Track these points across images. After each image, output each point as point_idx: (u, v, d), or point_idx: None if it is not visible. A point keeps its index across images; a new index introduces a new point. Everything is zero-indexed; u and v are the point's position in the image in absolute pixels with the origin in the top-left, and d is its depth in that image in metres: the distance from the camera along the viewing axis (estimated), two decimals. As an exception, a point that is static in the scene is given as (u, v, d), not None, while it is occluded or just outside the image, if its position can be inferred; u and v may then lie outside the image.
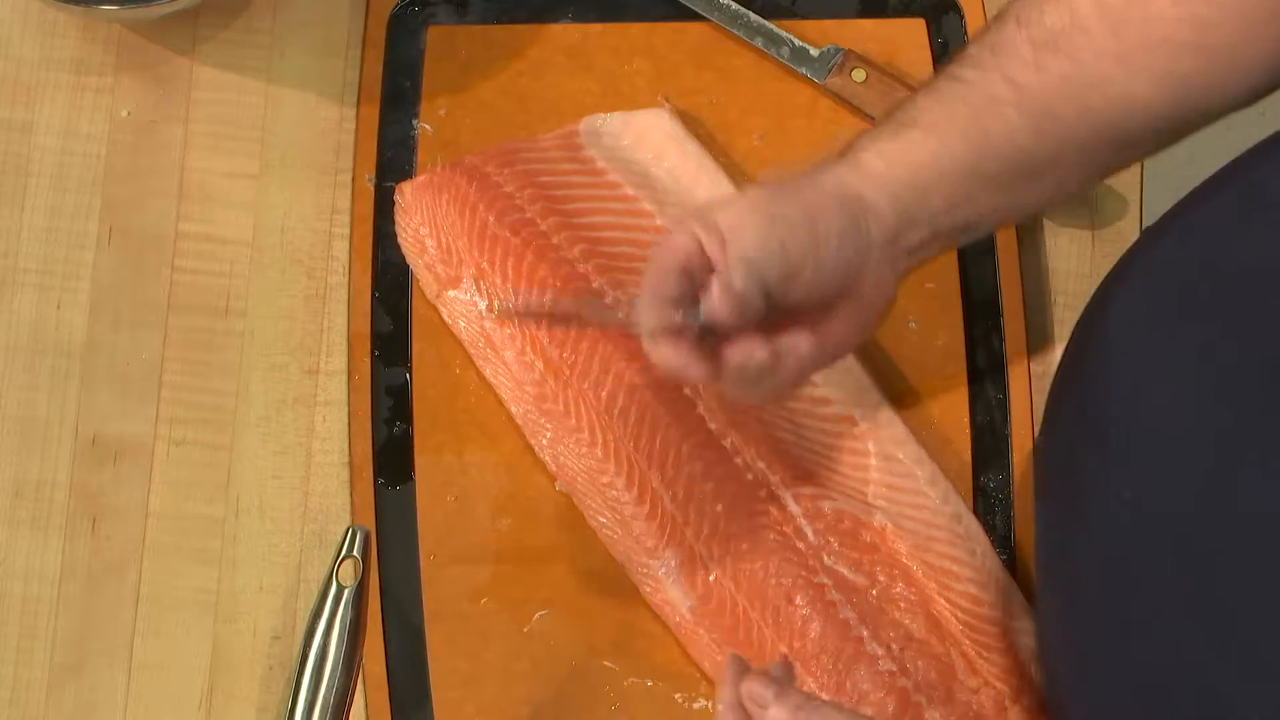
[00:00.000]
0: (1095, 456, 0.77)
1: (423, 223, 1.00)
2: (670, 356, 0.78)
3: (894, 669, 0.92)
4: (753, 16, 1.05)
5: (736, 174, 1.03)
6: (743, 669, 0.78)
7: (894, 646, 0.92)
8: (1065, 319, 1.01)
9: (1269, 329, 0.70)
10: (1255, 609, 0.67)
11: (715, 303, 0.77)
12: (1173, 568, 0.71)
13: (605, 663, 0.96)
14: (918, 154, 0.82)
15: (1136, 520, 0.73)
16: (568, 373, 0.96)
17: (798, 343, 0.79)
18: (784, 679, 0.77)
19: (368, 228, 1.03)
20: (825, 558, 0.94)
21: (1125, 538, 0.74)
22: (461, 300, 0.99)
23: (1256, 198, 0.76)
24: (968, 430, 0.99)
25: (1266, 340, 0.70)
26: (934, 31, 1.06)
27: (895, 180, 0.82)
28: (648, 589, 0.95)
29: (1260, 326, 0.71)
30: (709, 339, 0.79)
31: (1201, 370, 0.73)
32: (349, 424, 1.00)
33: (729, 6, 1.06)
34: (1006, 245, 1.02)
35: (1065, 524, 0.81)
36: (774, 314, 0.80)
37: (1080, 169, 0.85)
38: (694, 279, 0.78)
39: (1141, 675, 0.74)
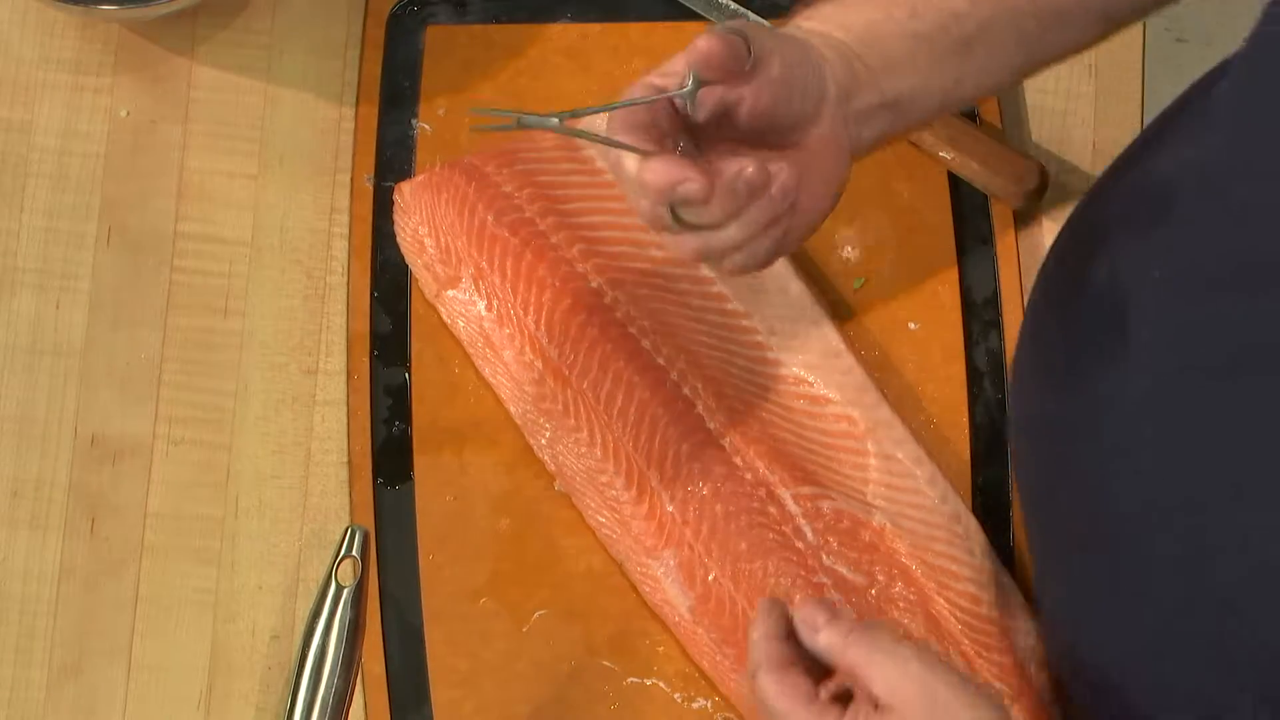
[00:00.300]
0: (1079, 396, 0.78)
1: (421, 222, 1.00)
2: (665, 172, 0.75)
3: (893, 669, 0.92)
4: (751, 16, 1.05)
5: (736, 174, 1.03)
6: (778, 604, 0.79)
7: (893, 646, 0.92)
8: (1065, 318, 1.01)
9: (1237, 233, 0.70)
10: (1260, 510, 0.68)
11: (702, 45, 0.75)
12: (1165, 478, 0.73)
13: (605, 663, 0.96)
14: (854, 14, 0.83)
15: (1127, 451, 0.75)
16: (567, 373, 0.96)
17: (781, 169, 0.78)
18: (831, 603, 0.78)
19: (367, 228, 1.03)
20: (824, 557, 0.94)
21: (1116, 465, 0.75)
22: (460, 300, 0.99)
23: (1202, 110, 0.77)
24: (967, 430, 0.99)
25: (1236, 243, 0.70)
26: (933, 31, 1.06)
27: (834, 38, 0.82)
28: (647, 589, 0.95)
29: (1229, 231, 0.71)
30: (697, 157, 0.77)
31: (1175, 287, 0.74)
32: (348, 424, 1.00)
33: (728, 6, 1.06)
34: (1006, 245, 1.02)
35: (1049, 456, 0.82)
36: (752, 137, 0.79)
37: (1015, 43, 0.85)
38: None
39: (1139, 591, 0.75)
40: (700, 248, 0.79)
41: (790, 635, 0.78)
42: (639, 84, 0.77)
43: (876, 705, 0.75)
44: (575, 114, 0.77)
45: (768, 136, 0.79)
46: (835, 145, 0.81)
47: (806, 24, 0.83)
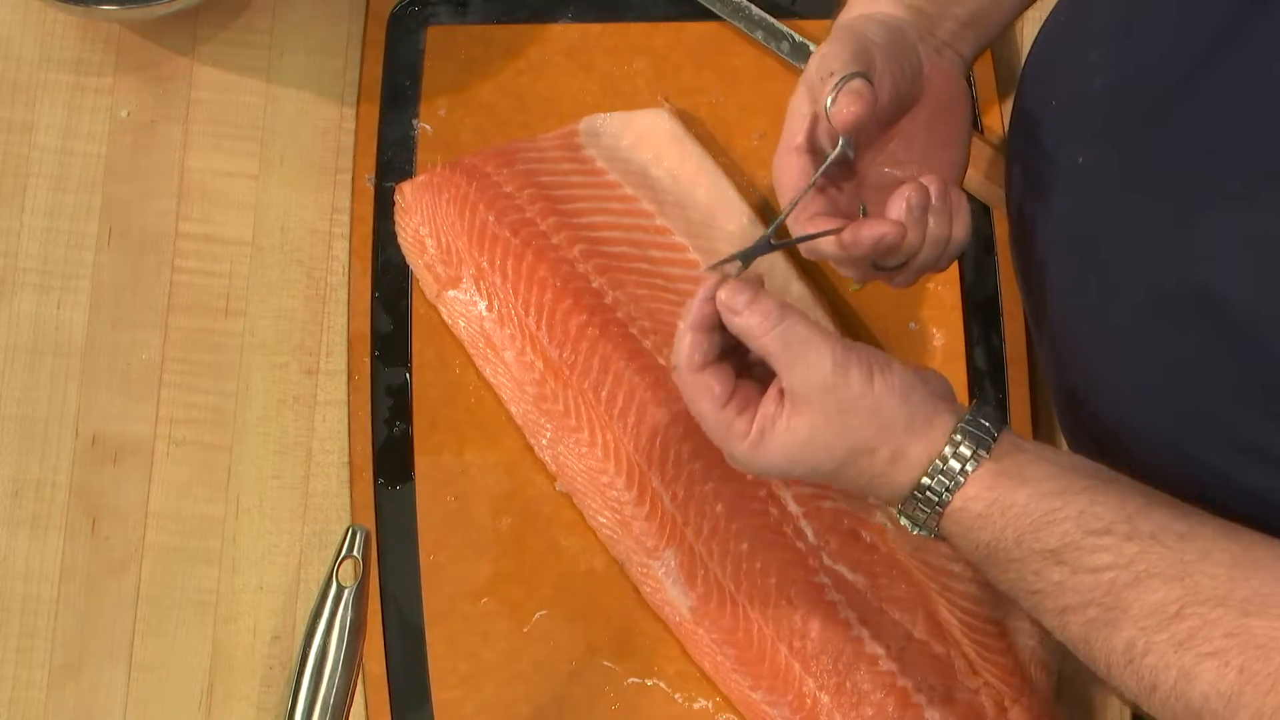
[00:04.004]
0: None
1: (423, 222, 1.00)
2: (867, 237, 0.79)
3: (894, 669, 0.92)
4: (755, 9, 1.06)
5: (736, 174, 1.03)
6: (708, 293, 0.79)
7: (894, 646, 0.92)
8: (1065, 319, 1.01)
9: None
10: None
11: (848, 113, 0.78)
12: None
13: (605, 663, 0.96)
14: None
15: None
16: (568, 373, 0.96)
17: (928, 179, 0.81)
18: (757, 285, 0.78)
19: (368, 228, 1.03)
20: (825, 558, 0.94)
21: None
22: (461, 300, 0.99)
23: None
24: (968, 430, 0.99)
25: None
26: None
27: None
28: (648, 589, 0.95)
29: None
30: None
31: None
32: (349, 424, 1.00)
33: (741, 4, 1.06)
34: (1006, 245, 1.02)
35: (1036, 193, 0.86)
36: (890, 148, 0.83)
37: None
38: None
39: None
40: (909, 278, 0.83)
41: (721, 325, 0.79)
42: (792, 164, 0.81)
43: (782, 393, 0.77)
44: (773, 230, 0.81)
45: (893, 121, 0.83)
46: (942, 77, 0.84)
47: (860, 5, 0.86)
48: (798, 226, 0.80)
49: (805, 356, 0.77)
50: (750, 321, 0.77)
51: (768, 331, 0.77)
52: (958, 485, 0.76)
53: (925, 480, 0.76)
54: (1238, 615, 0.68)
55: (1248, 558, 0.71)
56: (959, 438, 0.76)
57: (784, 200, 0.81)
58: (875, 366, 0.77)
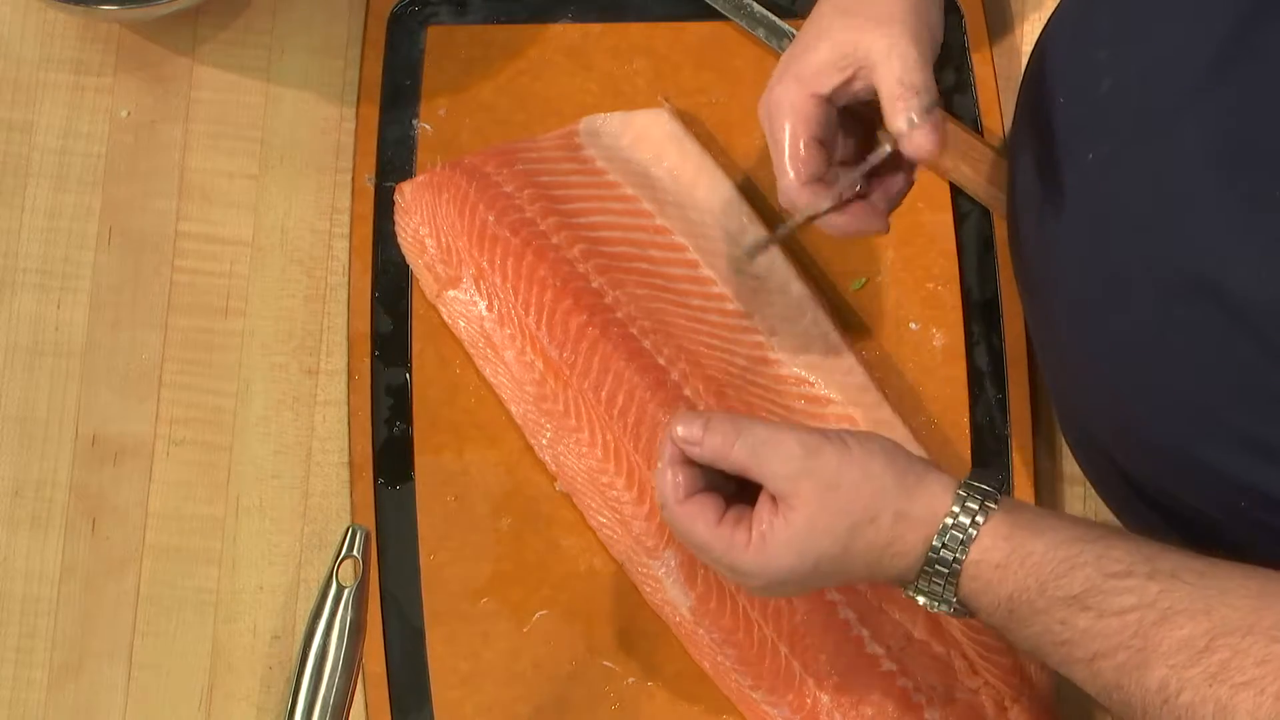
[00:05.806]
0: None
1: (423, 222, 1.00)
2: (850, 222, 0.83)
3: (894, 669, 0.92)
4: (756, 7, 1.06)
5: (736, 174, 1.03)
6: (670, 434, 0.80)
7: (894, 646, 0.92)
8: (1065, 319, 1.01)
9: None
10: None
11: (930, 145, 0.79)
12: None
13: (606, 663, 0.96)
14: None
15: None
16: (568, 373, 0.96)
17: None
18: (706, 414, 0.79)
19: (368, 228, 1.03)
20: (825, 558, 0.94)
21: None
22: (461, 300, 0.99)
23: None
24: (967, 430, 0.99)
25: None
26: (934, 31, 1.06)
27: None
28: (648, 589, 0.95)
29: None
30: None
31: None
32: (349, 424, 1.00)
33: (749, 6, 1.06)
34: (1006, 246, 1.02)
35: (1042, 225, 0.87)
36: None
37: None
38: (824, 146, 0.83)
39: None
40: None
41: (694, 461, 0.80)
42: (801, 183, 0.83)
43: (774, 500, 0.77)
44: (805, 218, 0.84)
45: None
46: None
47: None
48: (804, 198, 0.82)
49: (775, 453, 0.77)
50: (712, 443, 0.78)
51: (731, 446, 0.78)
52: (970, 539, 0.76)
53: (936, 541, 0.76)
54: (1267, 642, 0.68)
55: (1268, 588, 0.71)
56: (964, 493, 0.76)
57: (781, 149, 0.82)
58: (848, 438, 0.78)
